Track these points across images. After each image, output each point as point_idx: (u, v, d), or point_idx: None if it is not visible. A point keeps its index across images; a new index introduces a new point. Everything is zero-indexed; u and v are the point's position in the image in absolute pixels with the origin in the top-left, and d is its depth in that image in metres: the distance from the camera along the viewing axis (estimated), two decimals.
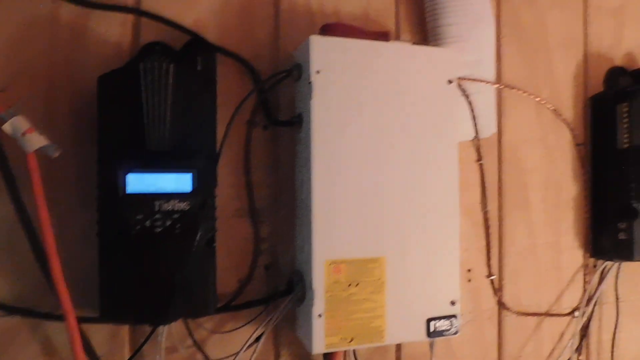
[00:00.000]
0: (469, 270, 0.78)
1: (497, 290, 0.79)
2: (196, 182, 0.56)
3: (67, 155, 0.56)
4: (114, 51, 0.61)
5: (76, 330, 0.53)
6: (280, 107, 0.68)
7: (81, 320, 0.56)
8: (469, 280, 0.77)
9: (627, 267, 0.85)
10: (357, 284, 0.61)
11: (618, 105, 0.81)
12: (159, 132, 0.54)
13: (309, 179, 0.60)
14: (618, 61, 0.89)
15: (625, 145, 0.80)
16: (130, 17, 0.62)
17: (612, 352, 0.85)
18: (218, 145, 0.61)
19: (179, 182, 0.55)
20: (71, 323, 0.52)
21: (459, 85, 0.74)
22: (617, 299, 0.85)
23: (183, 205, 0.55)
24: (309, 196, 0.59)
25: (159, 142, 0.54)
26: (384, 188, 0.62)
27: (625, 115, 0.80)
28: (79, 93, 0.60)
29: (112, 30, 0.62)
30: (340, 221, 0.60)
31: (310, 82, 0.59)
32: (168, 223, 0.55)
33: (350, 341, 0.60)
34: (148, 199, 0.54)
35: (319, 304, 0.59)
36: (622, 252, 0.80)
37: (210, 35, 0.65)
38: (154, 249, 0.54)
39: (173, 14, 0.63)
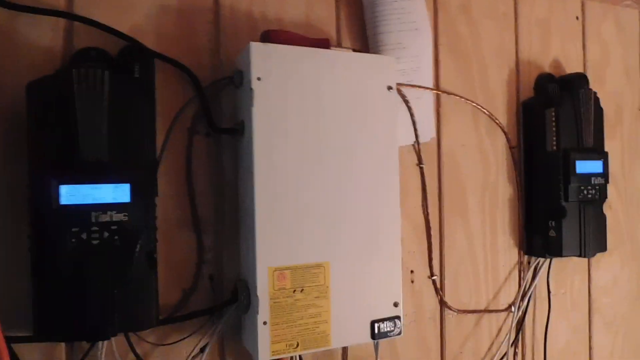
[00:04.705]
0: (412, 272, 0.80)
1: (439, 290, 0.82)
2: (135, 192, 0.54)
3: None
4: (45, 57, 0.59)
5: (5, 351, 0.50)
6: (222, 114, 0.67)
7: (12, 339, 0.53)
8: (412, 282, 0.80)
9: (558, 262, 0.90)
10: (302, 290, 0.61)
11: (546, 110, 0.86)
12: (94, 142, 0.53)
13: (251, 186, 0.59)
14: (546, 68, 0.94)
15: (554, 148, 0.85)
16: (62, 22, 0.60)
17: (545, 344, 0.89)
18: (158, 154, 0.60)
19: (117, 192, 0.53)
20: (0, 344, 0.50)
21: (399, 91, 0.76)
22: (549, 293, 0.90)
23: (121, 216, 0.53)
24: (252, 203, 0.59)
25: (95, 152, 0.53)
26: (326, 193, 0.63)
27: (553, 119, 0.85)
28: (6, 100, 0.57)
29: (43, 35, 0.59)
30: (284, 228, 0.60)
31: (251, 89, 0.59)
32: (106, 235, 0.53)
33: (296, 347, 0.61)
34: (84, 211, 0.52)
35: (263, 312, 0.59)
36: (553, 249, 0.85)
37: (148, 41, 0.63)
38: (91, 262, 0.52)
39: (108, 19, 0.61)
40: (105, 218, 0.53)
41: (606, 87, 1.00)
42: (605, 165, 0.87)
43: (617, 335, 1.01)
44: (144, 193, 0.55)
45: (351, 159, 0.64)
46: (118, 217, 0.53)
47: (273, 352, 0.59)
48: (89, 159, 0.52)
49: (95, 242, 0.52)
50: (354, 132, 0.65)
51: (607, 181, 0.87)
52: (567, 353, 0.94)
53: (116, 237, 0.53)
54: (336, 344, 0.63)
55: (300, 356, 0.67)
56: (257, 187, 0.59)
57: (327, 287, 0.63)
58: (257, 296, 0.59)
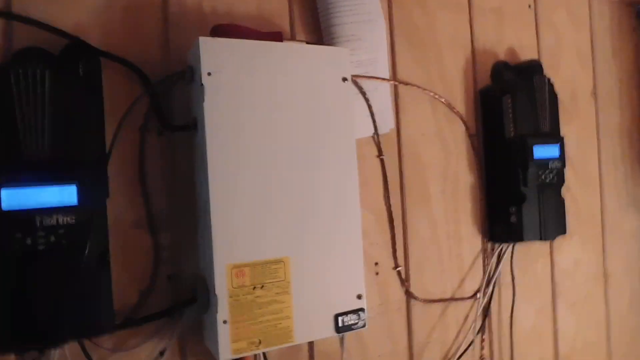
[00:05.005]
0: (376, 264, 0.80)
1: (404, 280, 0.82)
2: (82, 193, 0.52)
3: None
4: None
5: None
6: (174, 111, 0.66)
7: None
8: (377, 274, 0.80)
9: (520, 247, 0.92)
10: (262, 286, 0.60)
11: (503, 98, 0.87)
12: (36, 144, 0.51)
13: (206, 183, 0.58)
14: (502, 56, 0.95)
15: (511, 135, 0.86)
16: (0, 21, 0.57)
17: (511, 329, 0.91)
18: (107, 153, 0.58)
19: (63, 195, 0.51)
20: None
21: (355, 83, 0.76)
22: (512, 278, 0.91)
23: (68, 219, 0.52)
24: (207, 201, 0.58)
25: (37, 154, 0.51)
26: (283, 188, 0.62)
27: (509, 106, 0.86)
28: None
29: None
30: (241, 224, 0.59)
31: (201, 85, 0.58)
32: (52, 239, 0.51)
33: (258, 344, 0.60)
34: (27, 216, 0.50)
35: (223, 310, 0.58)
36: (514, 234, 0.86)
37: (94, 39, 0.61)
38: (37, 268, 0.50)
39: (50, 17, 0.59)
40: (51, 222, 0.51)
41: (560, 73, 1.02)
42: (562, 150, 0.89)
43: (581, 315, 1.03)
44: (92, 194, 0.53)
45: (308, 152, 0.64)
46: (65, 220, 0.51)
47: (234, 350, 0.58)
48: (31, 161, 0.51)
49: (41, 247, 0.50)
50: (309, 125, 0.64)
51: (564, 165, 0.89)
52: (532, 336, 0.95)
53: (64, 241, 0.51)
54: (300, 339, 0.62)
55: (265, 354, 0.67)
56: (212, 184, 0.58)
57: (288, 282, 0.62)
58: (215, 295, 0.58)
